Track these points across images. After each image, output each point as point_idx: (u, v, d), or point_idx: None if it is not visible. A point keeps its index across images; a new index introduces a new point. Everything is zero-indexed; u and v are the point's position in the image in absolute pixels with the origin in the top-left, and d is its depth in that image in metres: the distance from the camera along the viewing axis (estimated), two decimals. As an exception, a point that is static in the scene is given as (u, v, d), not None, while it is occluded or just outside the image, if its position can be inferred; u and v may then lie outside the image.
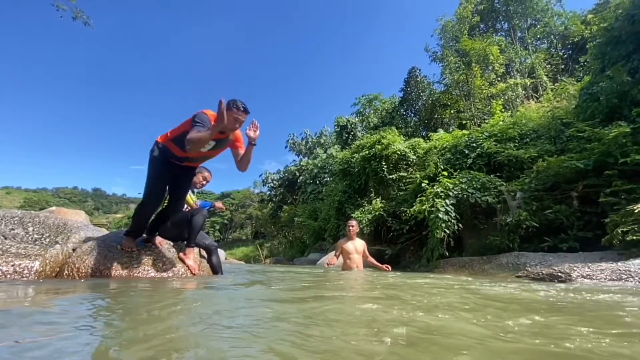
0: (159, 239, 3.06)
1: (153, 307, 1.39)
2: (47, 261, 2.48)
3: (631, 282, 2.60)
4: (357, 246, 4.78)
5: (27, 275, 2.32)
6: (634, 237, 3.24)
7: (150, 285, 2.22)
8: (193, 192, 3.40)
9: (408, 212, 6.23)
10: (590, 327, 1.09)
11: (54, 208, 8.24)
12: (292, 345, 0.87)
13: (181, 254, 3.02)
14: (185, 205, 3.30)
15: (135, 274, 2.62)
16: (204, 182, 3.50)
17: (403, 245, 7.25)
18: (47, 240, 2.85)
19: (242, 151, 2.58)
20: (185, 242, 3.10)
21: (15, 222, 2.85)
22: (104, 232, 3.50)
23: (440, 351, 0.84)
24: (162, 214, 2.89)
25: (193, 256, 3.06)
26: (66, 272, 2.50)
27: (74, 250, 2.71)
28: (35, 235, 2.85)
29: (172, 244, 3.13)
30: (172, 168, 2.63)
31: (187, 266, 2.95)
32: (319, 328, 1.05)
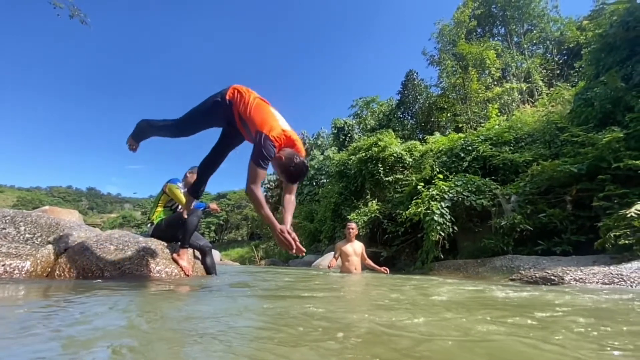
0: (155, 241, 3.04)
1: (132, 307, 1.38)
2: (38, 261, 2.45)
3: (623, 285, 2.62)
4: (355, 248, 4.79)
5: (18, 275, 2.29)
6: (626, 242, 3.27)
7: (139, 286, 2.20)
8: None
9: (404, 214, 6.24)
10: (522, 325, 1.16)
11: (47, 207, 8.15)
12: (246, 343, 0.89)
13: (175, 255, 3.00)
14: (179, 206, 3.29)
15: (128, 275, 2.59)
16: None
17: (398, 247, 7.26)
18: (39, 240, 2.82)
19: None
20: (179, 243, 3.08)
21: (7, 221, 2.81)
22: (97, 231, 3.46)
23: (377, 350, 0.85)
24: (205, 166, 2.56)
25: (187, 257, 3.05)
26: (57, 272, 2.47)
27: (65, 250, 2.68)
28: (27, 235, 2.81)
29: (165, 244, 3.11)
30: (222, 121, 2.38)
31: (181, 267, 2.93)
32: (271, 330, 1.08)
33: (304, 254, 1.93)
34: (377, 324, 1.12)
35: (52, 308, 1.33)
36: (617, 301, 1.82)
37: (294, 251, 1.86)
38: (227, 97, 2.19)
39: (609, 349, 0.87)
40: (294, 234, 1.91)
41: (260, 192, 1.95)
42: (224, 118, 2.30)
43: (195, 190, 2.66)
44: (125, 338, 0.91)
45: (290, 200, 2.21)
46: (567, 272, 2.99)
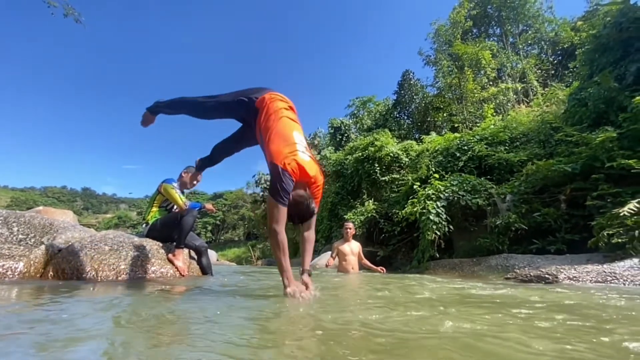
0: (150, 242, 3.02)
1: (119, 308, 1.37)
2: (32, 262, 2.43)
3: (615, 283, 2.65)
4: (353, 248, 4.81)
5: (11, 276, 2.27)
6: (619, 240, 3.30)
7: (133, 287, 2.19)
8: (183, 192, 3.37)
9: (400, 213, 6.27)
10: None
11: (40, 208, 8.08)
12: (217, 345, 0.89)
13: (170, 255, 2.98)
14: (174, 206, 3.27)
15: (122, 276, 2.58)
16: (195, 182, 3.46)
17: (395, 246, 7.29)
18: (32, 240, 2.80)
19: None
20: (175, 243, 3.07)
21: (0, 222, 2.78)
22: (92, 232, 3.44)
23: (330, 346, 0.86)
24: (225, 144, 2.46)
25: (182, 257, 3.04)
26: (51, 273, 2.45)
27: (59, 251, 2.66)
28: (20, 236, 2.79)
29: (161, 245, 3.10)
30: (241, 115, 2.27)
31: (176, 267, 2.92)
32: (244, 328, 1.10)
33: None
34: (356, 322, 1.14)
35: (38, 308, 1.33)
36: (597, 298, 1.86)
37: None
38: (256, 105, 2.05)
39: (566, 340, 0.91)
40: (306, 292, 1.70)
41: (283, 234, 1.74)
42: (245, 118, 2.23)
43: (202, 164, 2.59)
44: (105, 338, 0.91)
45: (309, 239, 2.00)
46: (561, 270, 3.01)
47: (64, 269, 2.47)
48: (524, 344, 0.88)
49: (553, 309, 1.47)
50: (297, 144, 1.86)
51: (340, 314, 1.32)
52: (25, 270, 2.35)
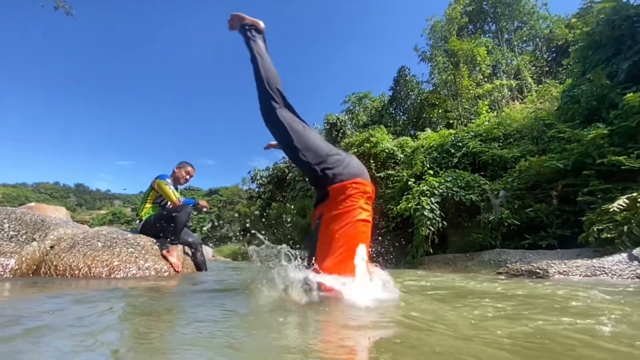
0: (144, 238, 3.01)
1: (100, 305, 1.36)
2: (24, 259, 2.41)
3: (604, 277, 2.70)
4: None
5: (2, 273, 2.25)
6: (609, 235, 3.36)
7: (124, 284, 2.18)
8: (176, 188, 3.36)
9: (394, 209, 6.30)
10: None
11: (33, 204, 7.99)
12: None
13: (164, 251, 2.98)
14: (168, 202, 3.26)
15: (116, 272, 2.57)
16: (187, 177, 3.45)
17: (389, 242, 7.34)
18: (24, 237, 2.77)
19: None
20: (169, 239, 3.06)
21: (-10, 218, 2.75)
22: (85, 228, 3.41)
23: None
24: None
25: (177, 253, 3.03)
26: (43, 269, 2.43)
27: (51, 247, 2.64)
28: (12, 232, 2.75)
29: (155, 241, 3.09)
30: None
31: (170, 263, 2.92)
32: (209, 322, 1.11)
33: None
34: (321, 315, 1.18)
35: (23, 305, 1.32)
36: (546, 289, 1.97)
37: None
38: (328, 187, 1.61)
39: (493, 327, 0.98)
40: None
41: None
42: (312, 184, 1.80)
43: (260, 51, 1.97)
44: (87, 335, 0.89)
45: None
46: (552, 265, 3.06)
47: (56, 265, 2.45)
48: (455, 331, 0.94)
49: (506, 299, 1.55)
50: (357, 267, 1.52)
51: (310, 307, 1.34)
52: (17, 267, 2.33)
